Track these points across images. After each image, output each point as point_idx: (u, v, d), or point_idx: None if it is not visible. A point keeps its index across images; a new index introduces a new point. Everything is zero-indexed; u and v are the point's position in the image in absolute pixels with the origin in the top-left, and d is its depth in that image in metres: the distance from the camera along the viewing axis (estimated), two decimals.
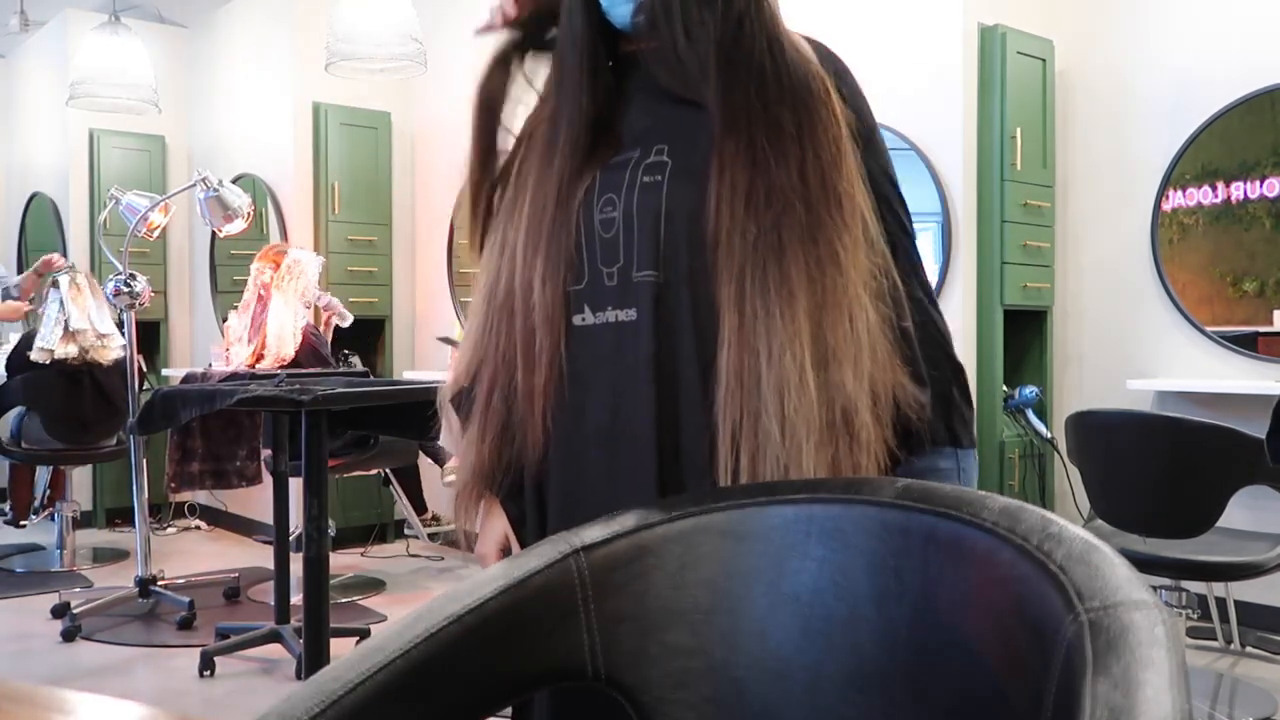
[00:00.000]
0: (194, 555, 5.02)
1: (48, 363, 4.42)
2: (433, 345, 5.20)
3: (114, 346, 4.53)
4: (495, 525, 1.24)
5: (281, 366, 3.97)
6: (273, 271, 4.28)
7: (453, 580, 4.49)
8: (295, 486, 3.23)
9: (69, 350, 4.43)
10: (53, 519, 4.93)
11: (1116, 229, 3.81)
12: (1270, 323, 3.56)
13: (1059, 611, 0.67)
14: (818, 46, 1.16)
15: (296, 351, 4.16)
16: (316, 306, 4.46)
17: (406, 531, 4.97)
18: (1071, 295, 3.91)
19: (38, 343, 4.48)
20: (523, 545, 1.20)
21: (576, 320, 1.14)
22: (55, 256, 5.12)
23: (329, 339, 4.52)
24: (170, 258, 6.01)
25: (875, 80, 3.45)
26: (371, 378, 4.41)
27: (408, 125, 5.43)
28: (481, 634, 0.85)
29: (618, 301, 1.12)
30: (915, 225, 1.24)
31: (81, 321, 4.47)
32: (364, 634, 3.45)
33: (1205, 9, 3.66)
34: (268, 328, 4.20)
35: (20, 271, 6.12)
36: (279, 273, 4.26)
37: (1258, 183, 3.58)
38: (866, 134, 1.14)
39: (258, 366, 4.07)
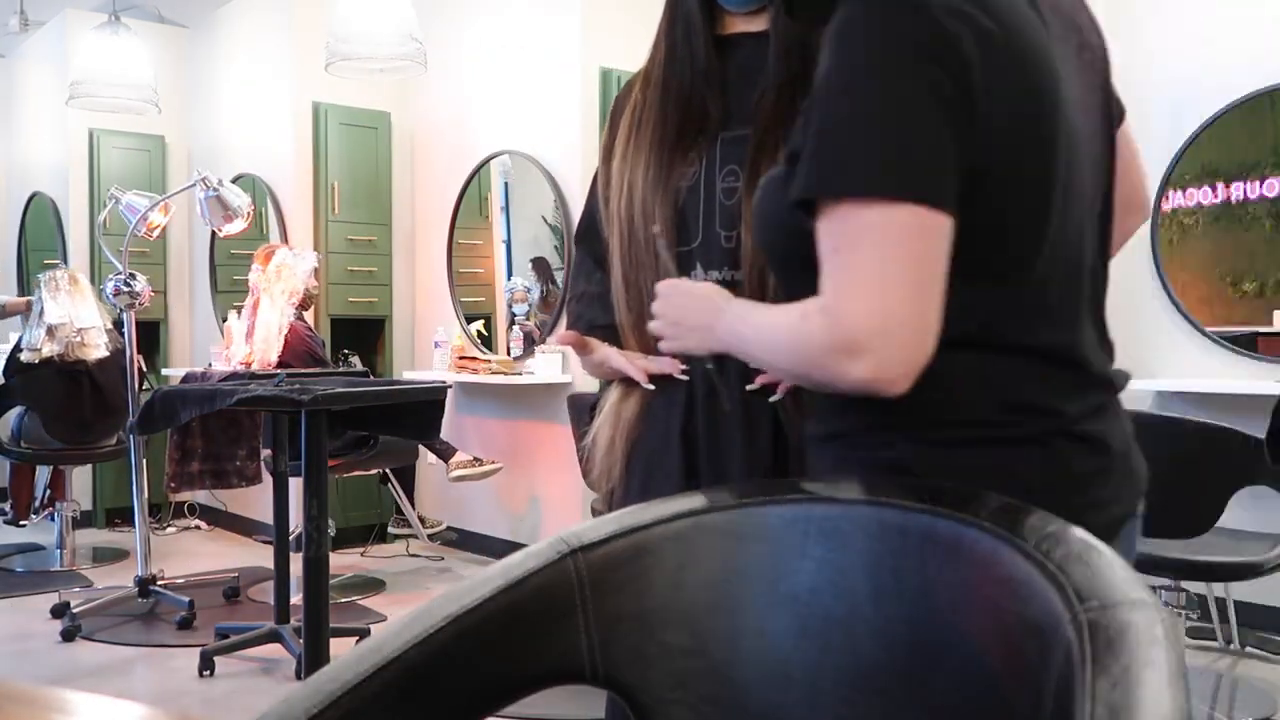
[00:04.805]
0: (194, 555, 5.02)
1: (37, 362, 4.42)
2: (432, 345, 5.20)
3: (97, 343, 4.51)
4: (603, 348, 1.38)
5: (275, 368, 3.96)
6: (261, 273, 4.27)
7: (453, 580, 4.48)
8: (295, 486, 3.22)
9: (54, 348, 4.42)
10: (53, 519, 4.93)
11: None
12: (1270, 323, 3.55)
13: (1058, 611, 0.67)
14: None
15: (284, 355, 4.14)
16: (313, 300, 4.43)
17: (391, 528, 4.93)
18: None
19: (24, 344, 4.48)
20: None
21: (692, 277, 1.28)
22: None
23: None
24: (170, 258, 6.01)
25: None
26: (371, 378, 4.41)
27: (407, 125, 5.42)
28: (479, 634, 0.84)
29: (733, 263, 1.26)
30: None
31: (58, 316, 4.46)
32: (364, 634, 3.45)
33: (1205, 9, 3.65)
34: (257, 330, 4.19)
35: (20, 270, 6.12)
36: (266, 274, 4.25)
37: (1257, 183, 3.58)
38: None
39: (251, 368, 4.06)
